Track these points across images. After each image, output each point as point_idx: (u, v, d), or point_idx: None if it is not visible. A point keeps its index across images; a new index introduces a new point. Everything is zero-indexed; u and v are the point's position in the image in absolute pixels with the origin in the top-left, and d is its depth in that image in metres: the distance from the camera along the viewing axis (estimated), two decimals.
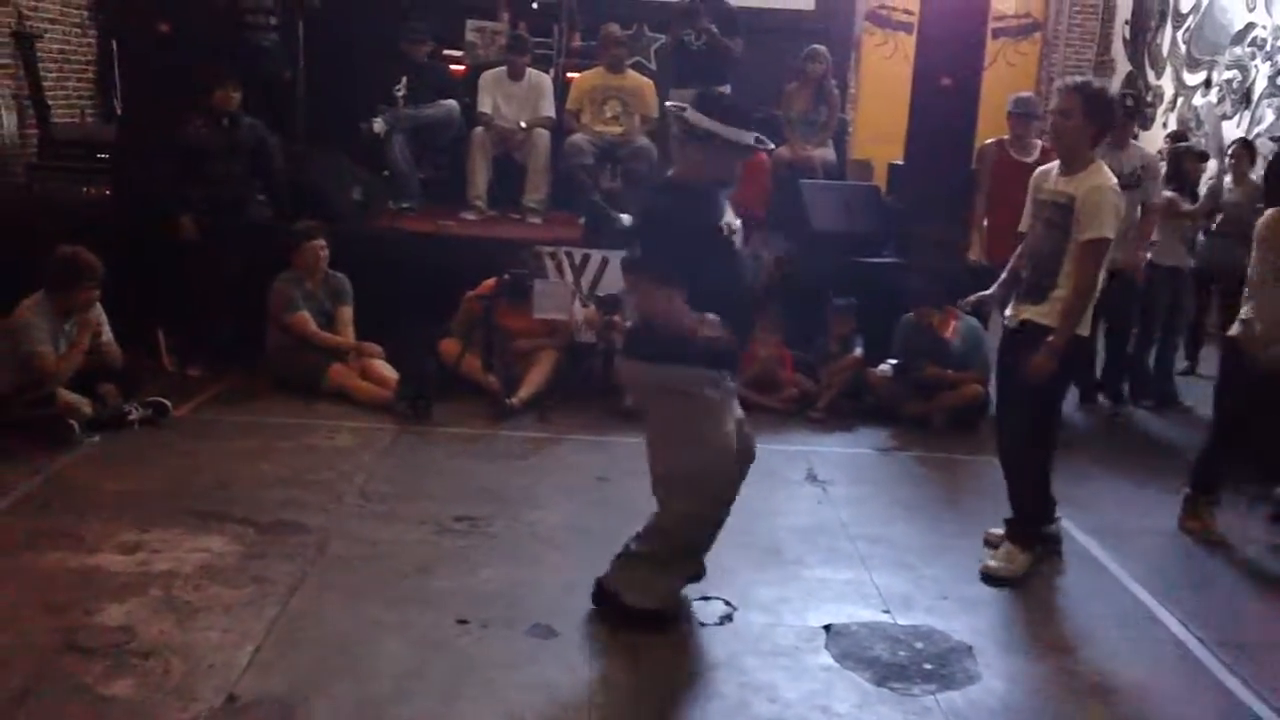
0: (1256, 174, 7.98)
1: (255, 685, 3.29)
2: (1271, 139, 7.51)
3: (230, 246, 6.53)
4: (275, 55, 7.80)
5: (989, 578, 4.36)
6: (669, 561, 3.84)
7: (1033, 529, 4.50)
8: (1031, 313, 4.36)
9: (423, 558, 4.24)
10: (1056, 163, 4.47)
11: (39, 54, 8.37)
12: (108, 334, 5.67)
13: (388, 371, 6.25)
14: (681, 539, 3.82)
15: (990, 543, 4.65)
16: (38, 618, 3.60)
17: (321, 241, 6.36)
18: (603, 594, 3.88)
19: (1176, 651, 3.92)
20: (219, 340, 6.63)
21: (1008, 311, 4.52)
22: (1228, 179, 7.36)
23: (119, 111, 8.69)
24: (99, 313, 5.61)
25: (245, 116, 6.69)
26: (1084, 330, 4.35)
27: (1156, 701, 3.58)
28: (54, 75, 8.80)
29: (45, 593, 3.78)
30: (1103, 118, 4.30)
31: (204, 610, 3.72)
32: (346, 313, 6.45)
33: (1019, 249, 4.62)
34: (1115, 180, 4.36)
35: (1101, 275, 4.31)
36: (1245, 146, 7.89)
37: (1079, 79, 4.48)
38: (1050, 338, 4.24)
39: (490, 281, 6.41)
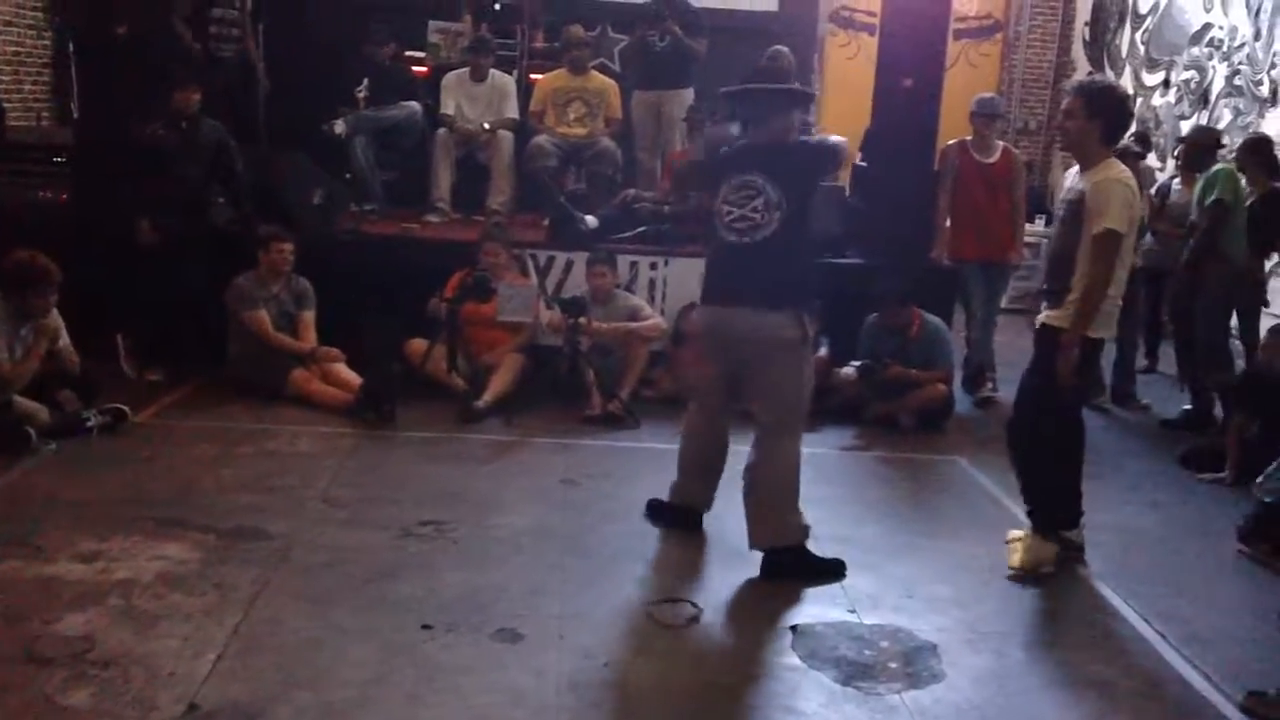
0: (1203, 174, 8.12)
1: (217, 694, 3.24)
2: (1181, 140, 7.75)
3: (190, 250, 6.46)
4: (238, 63, 7.74)
5: (1020, 577, 4.36)
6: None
7: (1053, 517, 4.50)
8: (1048, 316, 4.38)
9: (387, 563, 4.21)
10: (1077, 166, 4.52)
11: None
12: (65, 340, 5.60)
13: (350, 376, 6.20)
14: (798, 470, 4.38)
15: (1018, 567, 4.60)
16: None
17: (289, 244, 6.31)
18: (776, 560, 4.29)
19: (1140, 647, 3.95)
20: (179, 345, 6.55)
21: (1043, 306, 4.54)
22: (1176, 180, 7.47)
23: (76, 114, 8.59)
24: (56, 318, 5.54)
25: (205, 119, 6.62)
26: (1106, 333, 4.37)
27: (1119, 697, 3.60)
28: (9, 78, 8.72)
29: (2, 602, 3.71)
30: (1107, 114, 4.28)
31: (164, 618, 3.67)
32: (308, 317, 6.39)
33: None
34: (1128, 174, 4.35)
35: (1123, 275, 4.30)
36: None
37: (1082, 79, 4.55)
38: (1063, 337, 4.24)
39: (455, 278, 6.37)
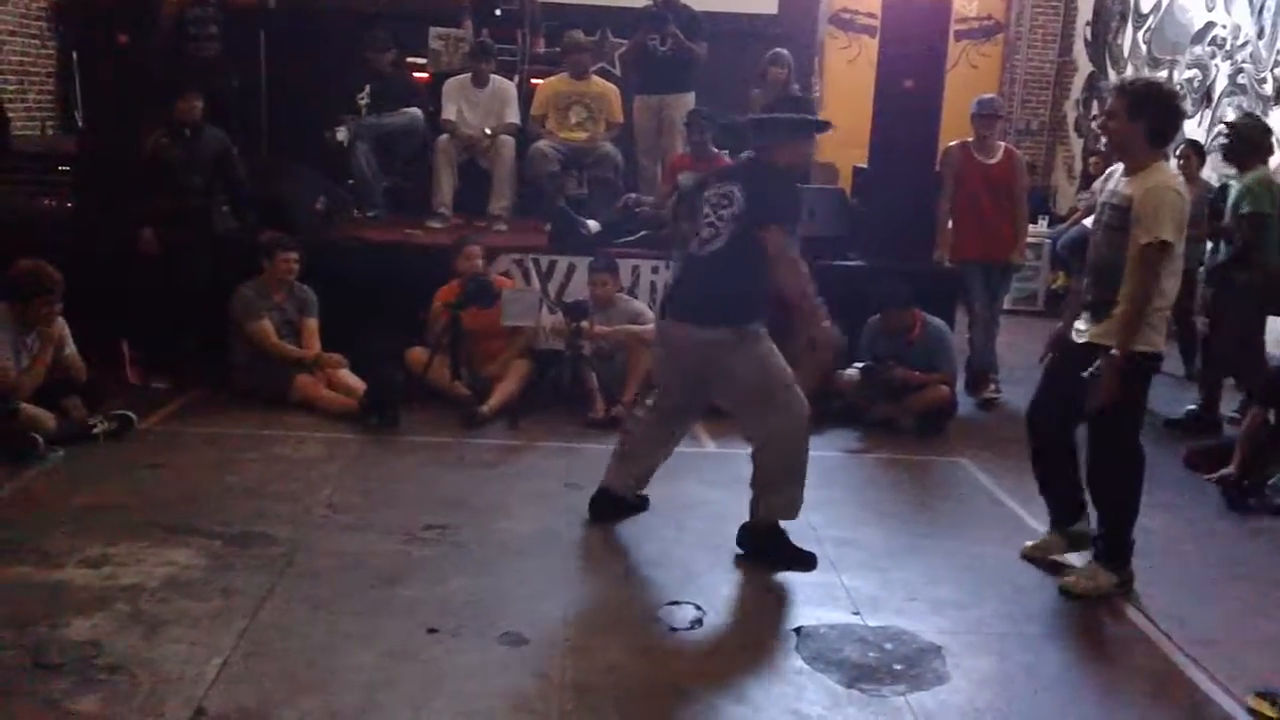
0: (1205, 174, 8.12)
1: (223, 698, 3.26)
2: (1226, 124, 7.61)
3: (194, 258, 6.49)
4: (219, 67, 7.76)
5: (1068, 593, 4.28)
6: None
7: (1124, 551, 4.34)
8: (1093, 333, 4.19)
9: (392, 568, 4.22)
10: (1121, 165, 4.30)
11: None
12: (71, 347, 5.63)
13: (354, 381, 6.21)
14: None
15: (1028, 557, 4.61)
16: (3, 633, 3.56)
17: (295, 254, 6.33)
18: (757, 538, 4.44)
19: (1146, 648, 3.96)
20: (184, 352, 6.58)
21: (1077, 324, 4.33)
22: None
23: (80, 123, 8.61)
24: (61, 326, 5.57)
25: (208, 127, 6.64)
26: (1155, 346, 4.13)
27: (1125, 697, 3.61)
28: (13, 87, 8.74)
29: (10, 608, 3.73)
30: (1151, 114, 4.07)
31: (171, 623, 3.69)
32: (312, 324, 6.40)
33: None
34: (1179, 179, 4.21)
35: (1172, 285, 4.11)
36: (1193, 147, 8.02)
37: (1127, 78, 4.36)
38: (1115, 355, 4.02)
39: (455, 283, 6.39)
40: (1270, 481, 5.52)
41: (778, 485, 4.43)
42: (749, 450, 4.51)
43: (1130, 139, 4.13)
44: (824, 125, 4.66)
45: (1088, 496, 4.46)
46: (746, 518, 4.51)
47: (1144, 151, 4.13)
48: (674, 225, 4.88)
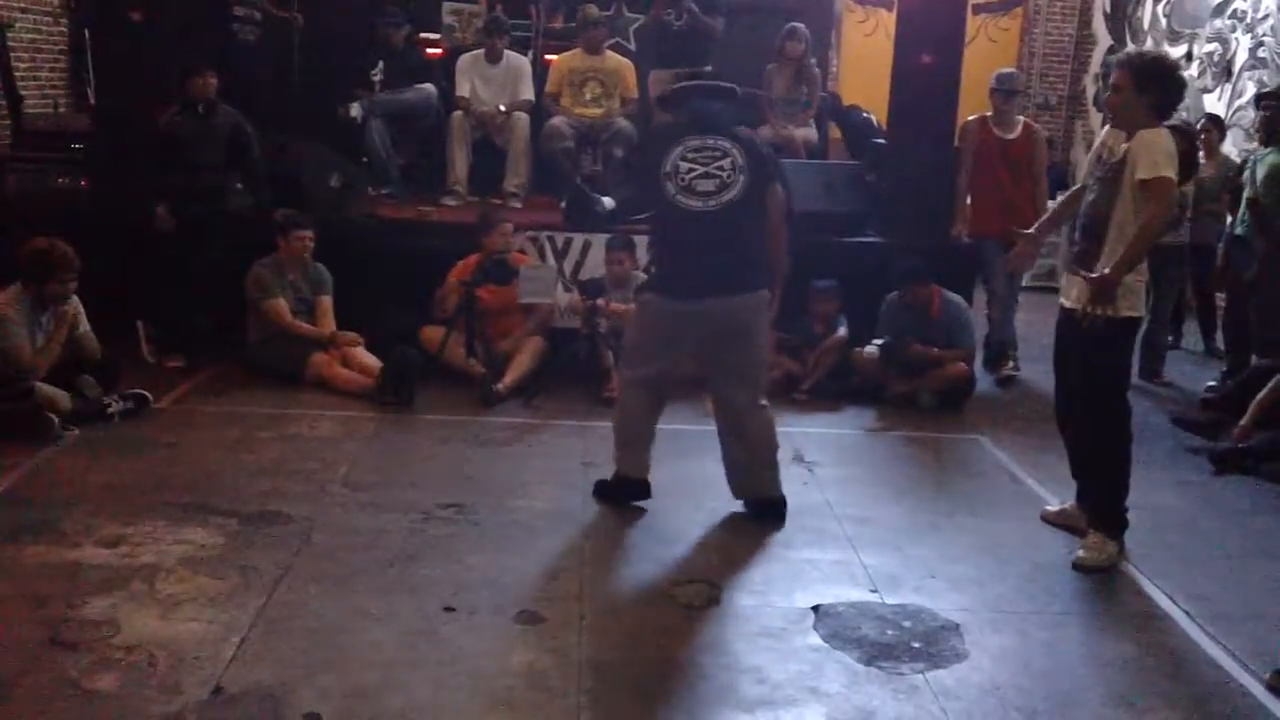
0: (1225, 149, 8.04)
1: (241, 676, 3.26)
2: (1266, 94, 7.53)
3: (208, 236, 6.47)
4: (260, 49, 7.73)
5: (1081, 568, 4.29)
6: None
7: (1117, 517, 4.40)
8: (1076, 298, 4.29)
9: (408, 546, 4.21)
10: (1107, 129, 4.42)
11: (10, 43, 8.27)
12: (85, 326, 5.62)
13: (369, 360, 6.21)
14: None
15: (1047, 519, 4.69)
16: (20, 612, 3.57)
17: (310, 232, 6.31)
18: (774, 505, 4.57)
19: (1165, 625, 3.93)
20: (198, 331, 6.57)
21: (1062, 283, 4.47)
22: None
23: (93, 101, 8.60)
24: (76, 305, 5.56)
25: (222, 104, 6.61)
26: (1136, 311, 4.26)
27: (1145, 675, 3.58)
28: (26, 65, 8.71)
29: (28, 587, 3.74)
30: (1155, 87, 4.15)
31: (188, 602, 3.69)
32: (326, 302, 6.39)
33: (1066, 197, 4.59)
34: (1172, 142, 4.24)
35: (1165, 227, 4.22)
36: (1213, 122, 7.97)
37: (1131, 50, 4.42)
38: (1106, 271, 4.09)
39: (471, 258, 6.36)
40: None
41: (775, 464, 4.49)
42: (727, 422, 4.52)
43: (1135, 112, 4.19)
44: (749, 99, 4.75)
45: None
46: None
47: (1146, 124, 4.19)
48: (631, 189, 4.68)
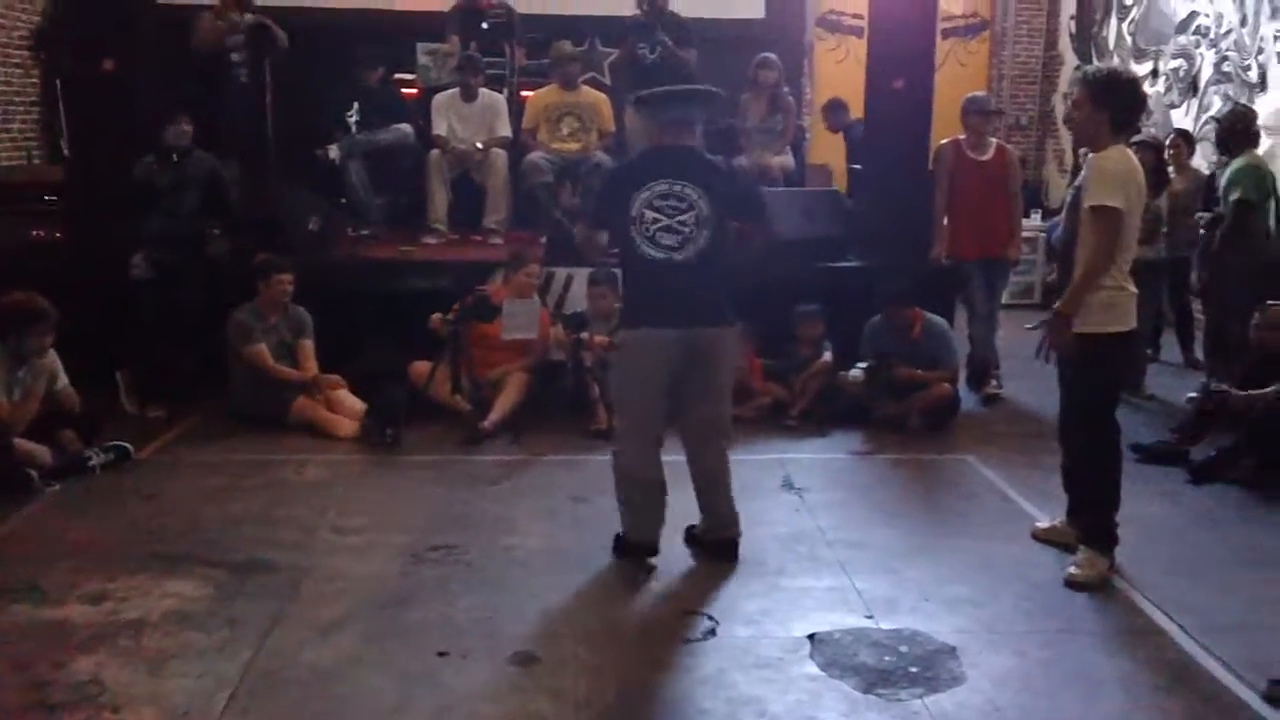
0: (1195, 162, 8.13)
1: None
2: (1214, 119, 7.68)
3: (187, 283, 6.44)
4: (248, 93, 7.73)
5: (1073, 585, 4.27)
6: None
7: (1107, 533, 4.38)
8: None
9: (399, 590, 4.17)
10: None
11: None
12: (63, 380, 5.57)
13: (353, 401, 6.17)
14: None
15: (1038, 537, 4.68)
16: (4, 674, 3.50)
17: (289, 275, 6.29)
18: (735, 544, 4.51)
19: (1160, 639, 3.91)
20: (179, 379, 6.52)
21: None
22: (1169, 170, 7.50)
23: (66, 152, 8.57)
24: (53, 358, 5.51)
25: (197, 150, 6.60)
26: (1124, 325, 4.23)
27: (1143, 691, 3.56)
28: None
29: (10, 649, 3.67)
30: (1113, 102, 4.15)
31: (176, 657, 3.63)
32: (307, 345, 6.35)
33: None
34: (1132, 159, 4.23)
35: (1125, 259, 4.16)
36: (1182, 136, 8.10)
37: (1089, 67, 4.44)
38: (1057, 311, 4.15)
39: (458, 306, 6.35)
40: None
41: (728, 481, 4.52)
42: (702, 458, 4.48)
43: (1096, 128, 4.22)
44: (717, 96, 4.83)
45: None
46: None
47: (1108, 139, 4.21)
48: (595, 218, 4.62)
